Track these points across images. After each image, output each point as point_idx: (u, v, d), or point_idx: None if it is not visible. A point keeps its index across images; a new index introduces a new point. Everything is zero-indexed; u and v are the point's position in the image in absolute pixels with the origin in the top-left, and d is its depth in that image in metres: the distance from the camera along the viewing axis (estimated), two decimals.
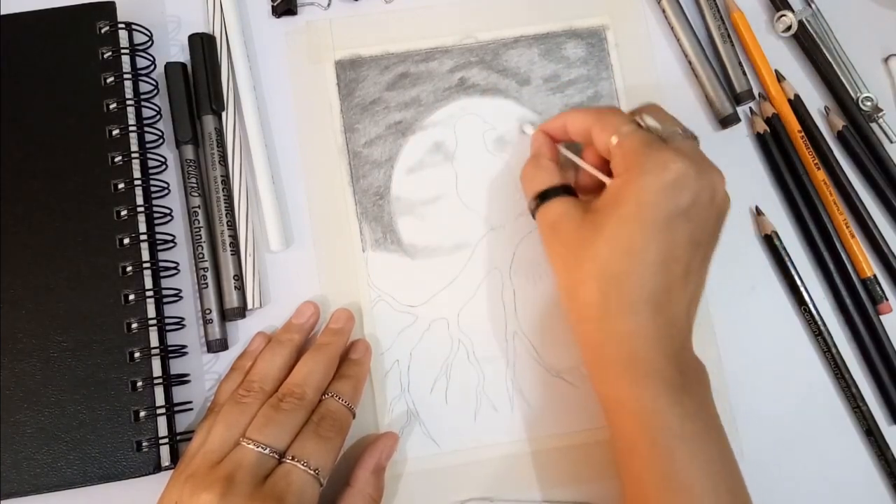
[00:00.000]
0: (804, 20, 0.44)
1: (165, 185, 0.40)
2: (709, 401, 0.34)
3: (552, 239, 0.36)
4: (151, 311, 0.37)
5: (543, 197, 0.37)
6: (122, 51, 0.40)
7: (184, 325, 0.39)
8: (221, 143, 0.41)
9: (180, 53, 0.43)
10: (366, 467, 0.36)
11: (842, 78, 0.44)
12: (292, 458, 0.33)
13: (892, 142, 0.44)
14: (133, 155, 0.39)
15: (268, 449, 0.32)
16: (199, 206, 0.40)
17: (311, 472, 0.32)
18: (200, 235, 0.39)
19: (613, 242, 0.32)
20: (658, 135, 0.35)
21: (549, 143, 0.39)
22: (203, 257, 0.39)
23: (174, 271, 0.39)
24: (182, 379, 0.38)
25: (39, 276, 0.37)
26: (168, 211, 0.40)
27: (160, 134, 0.41)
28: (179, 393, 0.38)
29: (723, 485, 0.32)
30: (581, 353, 0.36)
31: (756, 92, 0.44)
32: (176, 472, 0.34)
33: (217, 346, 0.39)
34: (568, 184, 0.37)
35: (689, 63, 0.44)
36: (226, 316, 0.39)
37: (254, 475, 0.32)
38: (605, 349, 0.33)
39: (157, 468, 0.36)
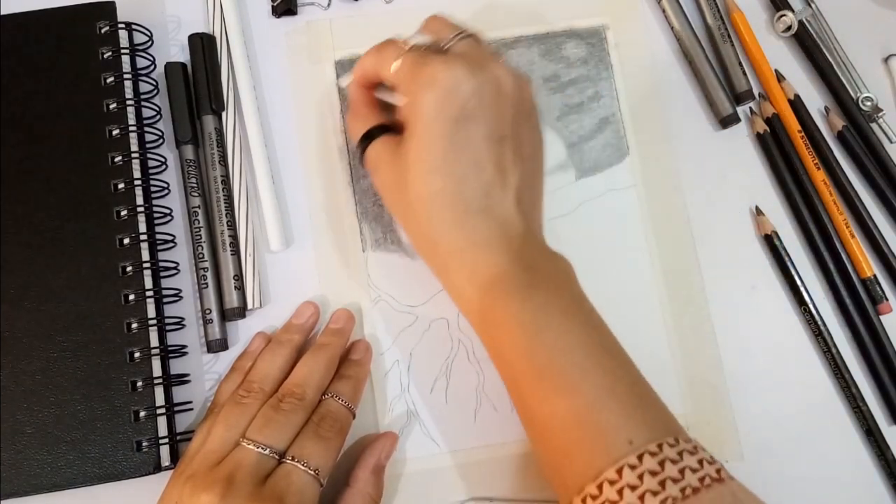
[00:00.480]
0: (804, 20, 0.45)
1: (165, 185, 0.40)
2: (568, 291, 0.33)
3: (376, 179, 0.37)
4: (151, 311, 0.37)
5: (364, 142, 0.37)
6: (122, 51, 0.40)
7: (184, 325, 0.39)
8: (221, 143, 0.41)
9: (180, 53, 0.43)
10: (365, 467, 0.36)
11: (842, 78, 0.44)
12: (292, 459, 0.33)
13: (892, 142, 0.44)
14: (133, 155, 0.39)
15: (268, 449, 0.32)
16: (199, 206, 0.40)
17: (312, 472, 0.32)
18: (200, 235, 0.39)
19: (416, 166, 0.33)
20: (433, 48, 0.34)
21: (360, 90, 0.38)
22: (203, 257, 0.39)
23: (174, 271, 0.39)
24: (182, 379, 0.38)
25: (39, 276, 0.37)
26: (168, 211, 0.40)
27: (160, 134, 0.41)
28: (179, 393, 0.38)
29: (594, 370, 0.30)
30: (435, 276, 0.36)
31: (756, 92, 0.44)
32: (176, 473, 0.34)
33: (217, 346, 0.39)
34: (384, 123, 0.37)
35: (689, 63, 0.44)
36: (226, 316, 0.39)
37: (254, 475, 0.32)
38: (450, 270, 0.34)
39: (157, 468, 0.36)
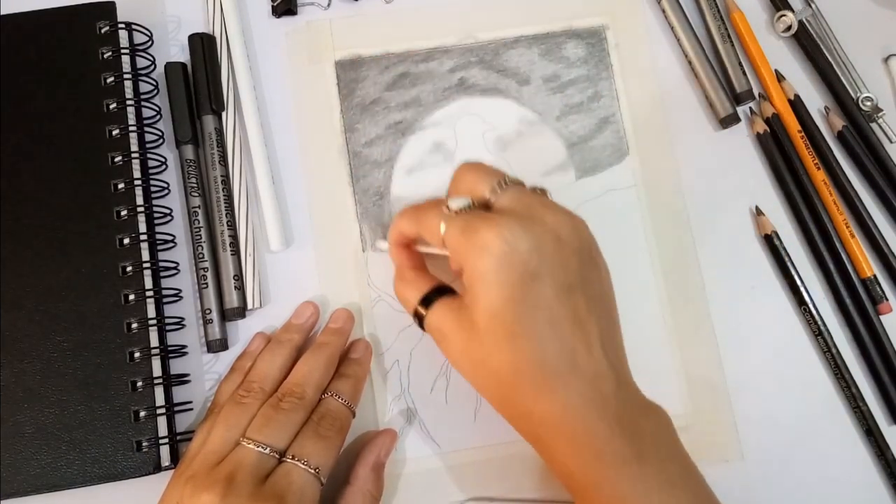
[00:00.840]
0: (804, 20, 0.45)
1: (165, 185, 0.40)
2: (672, 457, 0.31)
3: (443, 347, 0.34)
4: (151, 311, 0.37)
5: (421, 308, 0.34)
6: (122, 51, 0.40)
7: (184, 325, 0.39)
8: (221, 143, 0.41)
9: (180, 53, 0.43)
10: (365, 464, 0.36)
11: (842, 78, 0.44)
12: (292, 458, 0.32)
13: (892, 142, 0.44)
14: (133, 155, 0.39)
15: (268, 449, 0.32)
16: (199, 206, 0.40)
17: (312, 471, 0.32)
18: (200, 235, 0.39)
19: (490, 336, 0.30)
20: (474, 207, 0.32)
21: (402, 252, 0.37)
22: (203, 257, 0.39)
23: (174, 271, 0.39)
24: (182, 379, 0.38)
25: (39, 276, 0.37)
26: (168, 211, 0.40)
27: (160, 134, 0.41)
28: (179, 393, 0.38)
29: None
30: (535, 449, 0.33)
31: (756, 92, 0.44)
32: (176, 473, 0.34)
33: (217, 346, 0.39)
34: (439, 284, 0.35)
35: (689, 63, 0.44)
36: (226, 316, 0.39)
37: (254, 475, 0.31)
38: (545, 439, 0.31)
39: (157, 468, 0.36)
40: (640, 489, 0.29)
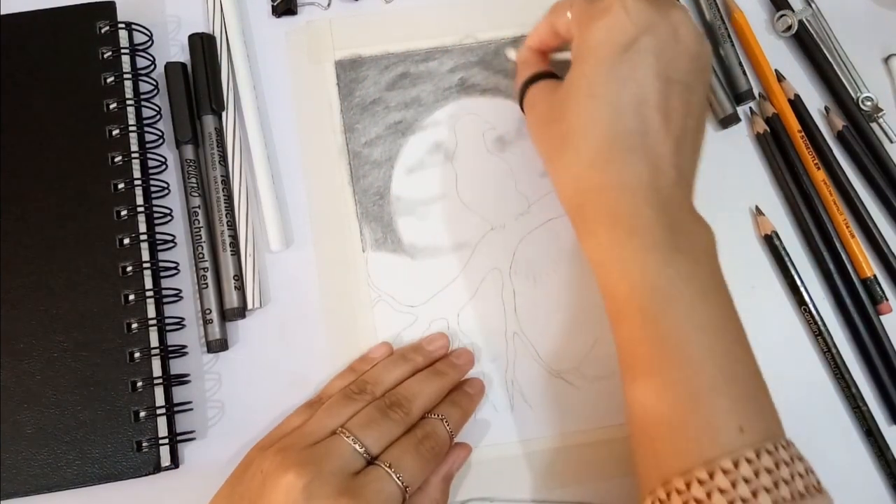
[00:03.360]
0: (804, 20, 0.45)
1: (165, 185, 0.40)
2: (707, 264, 0.31)
3: (530, 117, 0.36)
4: (151, 311, 0.37)
5: (526, 85, 0.37)
6: (122, 51, 0.40)
7: (184, 325, 0.39)
8: (221, 143, 0.41)
9: (180, 53, 0.43)
10: (437, 473, 0.35)
11: (842, 78, 0.44)
12: (388, 466, 0.31)
13: (892, 142, 0.44)
14: (133, 155, 0.39)
15: (363, 448, 0.32)
16: (199, 206, 0.40)
17: (402, 485, 0.31)
18: (200, 235, 0.39)
19: (575, 92, 0.32)
20: None
21: (532, 50, 0.39)
22: (203, 257, 0.39)
23: (174, 271, 0.39)
24: (182, 379, 0.38)
25: (39, 276, 0.37)
26: (168, 211, 0.40)
27: (160, 134, 0.41)
28: (179, 393, 0.38)
29: (720, 351, 0.29)
30: (569, 218, 0.34)
31: (756, 92, 0.44)
32: (259, 445, 0.34)
33: (217, 346, 0.39)
34: (550, 70, 0.37)
35: None
36: (226, 316, 0.39)
37: (344, 469, 0.31)
38: (587, 206, 0.32)
39: (157, 468, 0.36)
40: (667, 273, 0.30)
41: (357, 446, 0.32)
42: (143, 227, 0.38)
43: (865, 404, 0.40)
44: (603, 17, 0.32)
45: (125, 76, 0.40)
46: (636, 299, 0.30)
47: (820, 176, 0.42)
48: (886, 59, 0.45)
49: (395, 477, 0.31)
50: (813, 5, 0.45)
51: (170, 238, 0.39)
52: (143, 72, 0.41)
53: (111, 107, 0.39)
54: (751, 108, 0.44)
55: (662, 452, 0.29)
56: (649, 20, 0.31)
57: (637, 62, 0.31)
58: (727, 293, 0.31)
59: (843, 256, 0.41)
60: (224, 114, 0.41)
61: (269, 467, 0.31)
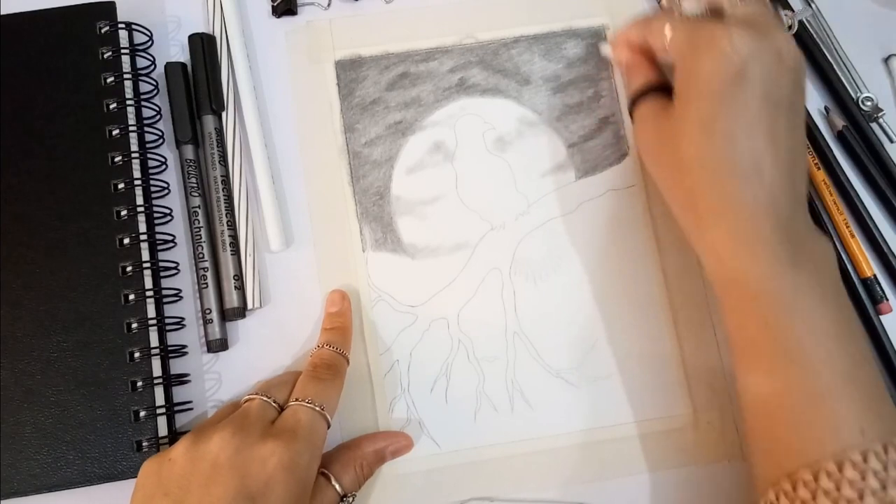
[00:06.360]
0: (804, 20, 0.44)
1: (165, 185, 0.40)
2: (827, 275, 0.32)
3: (640, 134, 0.38)
4: (151, 311, 0.37)
5: (637, 96, 0.38)
6: (122, 51, 0.40)
7: (184, 325, 0.39)
8: (221, 143, 0.41)
9: (180, 53, 0.43)
10: (372, 443, 0.37)
11: (842, 78, 0.44)
12: (296, 400, 0.34)
13: (892, 142, 0.44)
14: (133, 155, 0.39)
15: (271, 398, 0.34)
16: (199, 206, 0.40)
17: (317, 408, 0.33)
18: (200, 235, 0.39)
19: (687, 126, 0.33)
20: (706, 14, 0.35)
21: (628, 52, 0.40)
22: (203, 257, 0.39)
23: (174, 271, 0.39)
24: (182, 379, 0.38)
25: (39, 277, 0.37)
26: (168, 211, 0.40)
27: (160, 134, 0.41)
28: (179, 393, 0.38)
29: (840, 359, 0.30)
30: (688, 237, 0.35)
31: None
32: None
33: (217, 346, 0.39)
34: (658, 81, 0.37)
35: None
36: (226, 316, 0.39)
37: (261, 418, 0.33)
38: (705, 227, 0.33)
39: None
40: (787, 289, 0.31)
41: (265, 398, 0.34)
42: (143, 227, 0.38)
43: None
44: (710, 49, 0.32)
45: (125, 76, 0.40)
46: (755, 310, 0.32)
47: (820, 176, 0.42)
48: (886, 59, 0.45)
49: (306, 404, 0.33)
50: (813, 5, 0.45)
51: (170, 238, 0.39)
52: (143, 72, 0.41)
53: (111, 107, 0.39)
54: None
55: (783, 446, 0.31)
56: (755, 48, 0.32)
57: (747, 93, 0.32)
58: (846, 301, 0.33)
59: (843, 256, 0.41)
60: (224, 114, 0.41)
61: (196, 439, 0.32)
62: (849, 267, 0.41)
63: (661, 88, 0.37)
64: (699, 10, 0.35)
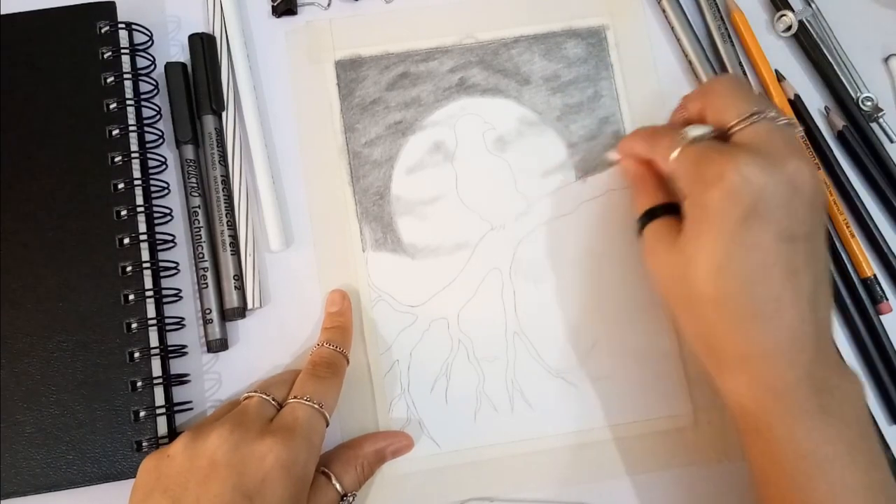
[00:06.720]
0: (804, 20, 0.44)
1: (165, 185, 0.40)
2: (856, 420, 0.31)
3: (650, 259, 0.35)
4: (151, 311, 0.37)
5: (644, 219, 0.36)
6: (122, 51, 0.40)
7: (184, 325, 0.39)
8: (221, 143, 0.41)
9: (180, 53, 0.43)
10: (373, 443, 0.37)
11: (842, 78, 0.44)
12: (294, 398, 0.34)
13: (892, 142, 0.44)
14: (133, 155, 0.39)
15: (270, 397, 0.34)
16: (199, 206, 0.40)
17: (316, 405, 0.34)
18: (200, 235, 0.39)
19: (699, 264, 0.31)
20: (716, 138, 0.33)
21: (634, 163, 0.38)
22: (203, 257, 0.39)
23: (174, 271, 0.39)
24: (182, 379, 0.38)
25: (40, 277, 0.37)
26: (168, 211, 0.40)
27: (160, 134, 0.41)
28: (179, 393, 0.38)
29: None
30: (708, 371, 0.34)
31: (756, 91, 0.44)
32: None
33: (217, 346, 0.39)
34: (669, 201, 0.35)
35: (689, 63, 0.44)
36: (226, 316, 0.39)
37: (260, 416, 0.33)
38: (726, 371, 0.32)
39: None
40: (816, 438, 0.29)
41: (264, 396, 0.34)
42: (143, 227, 0.38)
43: None
44: (718, 185, 0.30)
45: (125, 76, 0.40)
46: (781, 460, 0.30)
47: (820, 176, 0.42)
48: (886, 59, 0.45)
49: (304, 402, 0.33)
50: (813, 5, 0.45)
51: (170, 238, 0.39)
52: (143, 72, 0.41)
53: (111, 107, 0.39)
54: None
55: None
56: (766, 182, 0.30)
57: (759, 229, 0.30)
58: (878, 450, 0.31)
59: (843, 256, 0.41)
60: (224, 114, 0.41)
61: (194, 437, 0.32)
62: (849, 267, 0.41)
63: (669, 207, 0.35)
64: (704, 135, 0.33)
